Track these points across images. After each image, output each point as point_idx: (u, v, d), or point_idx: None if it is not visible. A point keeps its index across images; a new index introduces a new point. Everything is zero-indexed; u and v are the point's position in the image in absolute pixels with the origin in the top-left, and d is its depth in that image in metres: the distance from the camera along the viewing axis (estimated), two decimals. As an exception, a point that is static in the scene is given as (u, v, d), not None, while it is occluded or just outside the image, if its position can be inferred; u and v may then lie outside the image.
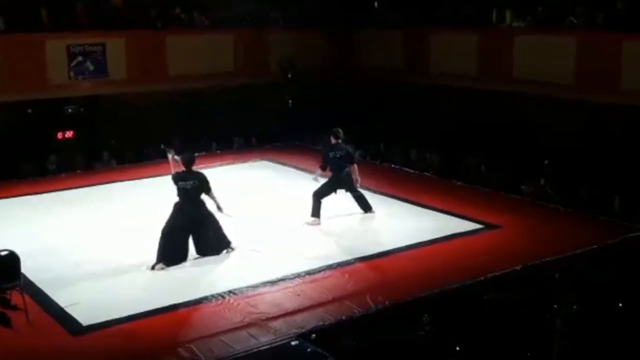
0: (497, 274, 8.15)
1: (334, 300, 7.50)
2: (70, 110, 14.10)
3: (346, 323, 7.03)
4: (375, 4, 17.00)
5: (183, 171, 8.61)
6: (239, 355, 6.43)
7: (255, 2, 15.91)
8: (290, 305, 7.39)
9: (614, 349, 6.79)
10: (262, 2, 16.04)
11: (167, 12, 15.11)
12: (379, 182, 12.08)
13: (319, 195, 10.03)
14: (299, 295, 7.64)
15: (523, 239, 9.49)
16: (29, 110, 13.66)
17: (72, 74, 13.61)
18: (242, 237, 9.15)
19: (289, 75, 15.47)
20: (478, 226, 9.93)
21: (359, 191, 10.37)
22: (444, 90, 14.33)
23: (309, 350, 6.55)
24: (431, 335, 6.89)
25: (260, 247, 9.05)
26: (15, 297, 7.08)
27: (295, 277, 8.09)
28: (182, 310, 7.35)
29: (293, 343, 6.65)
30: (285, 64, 15.45)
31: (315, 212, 10.00)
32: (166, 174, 9.30)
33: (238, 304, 7.40)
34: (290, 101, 15.64)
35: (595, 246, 9.01)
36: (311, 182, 10.52)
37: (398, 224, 10.09)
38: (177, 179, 8.58)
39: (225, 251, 8.84)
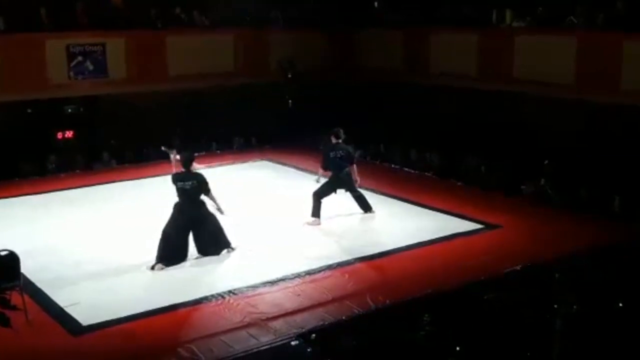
0: (497, 274, 8.15)
1: (334, 300, 7.50)
2: (70, 110, 14.09)
3: (346, 323, 7.03)
4: (375, 4, 16.99)
5: (182, 171, 8.60)
6: (239, 355, 6.44)
7: (255, 2, 15.90)
8: (290, 305, 7.39)
9: (614, 349, 6.78)
10: (262, 2, 16.03)
11: (167, 12, 15.10)
12: (379, 182, 12.09)
13: (319, 195, 10.03)
14: (299, 295, 7.65)
15: (523, 239, 9.49)
16: (29, 110, 13.65)
17: (72, 73, 13.60)
18: (242, 237, 9.15)
19: (289, 75, 15.47)
20: (478, 226, 9.93)
21: (358, 191, 10.37)
22: (444, 90, 14.32)
23: (309, 350, 6.55)
24: (431, 335, 6.89)
25: (259, 247, 9.06)
26: (15, 297, 7.08)
27: (295, 277, 8.10)
28: (182, 310, 7.35)
29: (293, 343, 6.65)
30: (285, 64, 15.44)
31: (316, 212, 10.00)
32: (166, 174, 9.30)
33: (238, 304, 7.40)
34: (290, 101, 15.63)
35: (595, 246, 9.01)
36: (311, 182, 10.52)
37: (398, 224, 10.09)
38: (175, 179, 8.58)
39: (225, 251, 8.84)
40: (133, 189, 12.16)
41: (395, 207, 10.95)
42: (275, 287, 7.85)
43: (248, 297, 7.59)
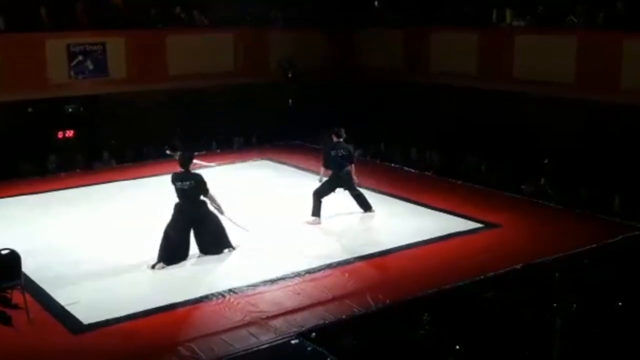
0: (497, 273, 8.16)
1: (334, 299, 7.51)
2: (70, 110, 14.10)
3: (346, 322, 7.04)
4: (376, 3, 17.00)
5: (181, 171, 8.60)
6: (239, 354, 6.44)
7: (255, 2, 15.92)
8: (290, 304, 7.40)
9: (614, 348, 6.78)
10: (262, 2, 16.04)
11: (167, 12, 15.12)
12: (379, 181, 12.09)
13: (319, 195, 10.04)
14: (299, 294, 7.65)
15: (523, 238, 9.49)
16: (29, 110, 13.66)
17: (72, 73, 13.62)
18: (242, 236, 9.15)
19: (289, 75, 15.48)
20: (478, 225, 9.94)
21: (358, 190, 10.38)
22: (444, 89, 14.34)
23: (309, 349, 6.55)
24: (431, 334, 6.89)
25: (259, 246, 9.06)
26: (16, 296, 7.10)
27: (296, 276, 8.10)
28: (183, 309, 7.35)
29: (293, 342, 6.66)
30: (285, 63, 15.45)
31: (316, 211, 10.01)
32: (166, 174, 9.30)
33: (238, 303, 7.41)
34: (290, 101, 15.64)
35: (595, 245, 9.02)
36: (311, 182, 10.53)
37: (398, 223, 10.10)
38: (174, 179, 8.59)
39: (226, 250, 8.85)
40: (133, 189, 12.16)
41: (395, 206, 10.95)
42: (275, 286, 7.85)
43: (248, 296, 7.59)
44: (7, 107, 13.17)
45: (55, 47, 13.43)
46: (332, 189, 10.12)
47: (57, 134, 13.97)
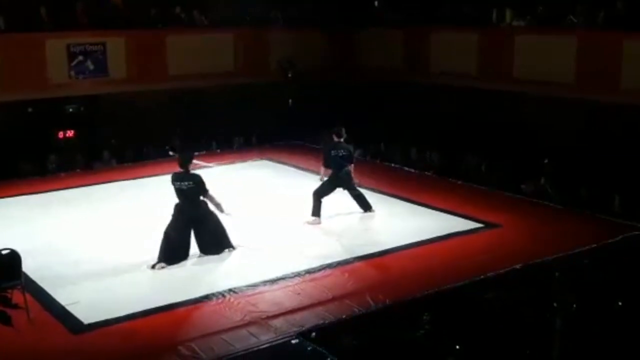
0: (497, 273, 8.16)
1: (334, 299, 7.51)
2: (70, 110, 14.11)
3: (346, 322, 7.04)
4: (376, 3, 17.00)
5: (180, 172, 8.60)
6: (239, 354, 6.45)
7: (255, 2, 15.92)
8: (290, 304, 7.40)
9: (614, 348, 6.79)
10: (262, 2, 16.05)
11: (167, 12, 15.12)
12: (379, 181, 12.10)
13: (319, 195, 10.04)
14: (299, 294, 7.66)
15: (523, 238, 9.50)
16: (30, 110, 13.66)
17: (72, 73, 13.62)
18: (242, 236, 9.15)
19: (289, 75, 15.48)
20: (478, 225, 9.94)
21: (358, 190, 10.38)
22: (444, 89, 14.34)
23: (309, 348, 6.55)
24: (431, 334, 6.90)
25: (259, 246, 9.06)
26: (17, 296, 7.10)
27: (296, 276, 8.11)
28: (183, 309, 7.36)
29: (293, 341, 6.66)
30: (285, 63, 15.45)
31: (316, 211, 10.01)
32: (166, 174, 9.30)
33: (238, 303, 7.42)
34: (290, 101, 15.65)
35: (595, 245, 9.02)
36: (311, 182, 10.54)
37: (398, 223, 10.10)
38: (174, 179, 8.60)
39: (226, 250, 8.85)
40: (133, 189, 12.16)
41: (395, 206, 10.95)
42: (275, 286, 7.86)
43: (248, 295, 7.60)
44: (7, 107, 13.18)
45: (55, 47, 13.43)
46: (332, 189, 10.12)
47: (57, 134, 13.98)
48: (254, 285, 7.84)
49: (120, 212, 10.59)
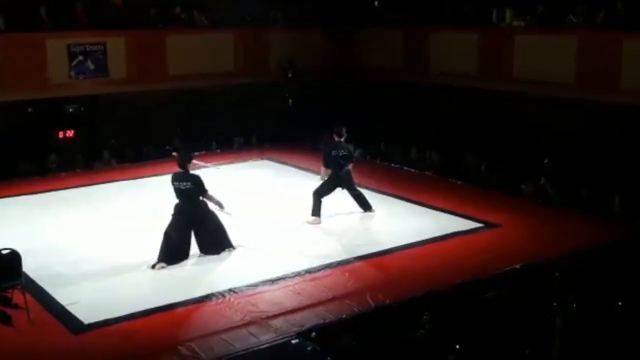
0: (497, 272, 8.16)
1: (334, 298, 7.51)
2: (70, 110, 14.11)
3: (346, 321, 7.04)
4: (376, 3, 17.00)
5: (179, 172, 8.61)
6: (239, 354, 6.45)
7: (255, 2, 15.92)
8: (290, 303, 7.40)
9: (614, 347, 6.79)
10: (262, 2, 16.05)
11: (167, 12, 15.12)
12: (379, 181, 12.10)
13: (319, 194, 10.04)
14: (299, 293, 7.66)
15: (523, 238, 9.50)
16: (30, 110, 13.67)
17: (72, 73, 13.63)
18: (242, 236, 9.16)
19: (289, 75, 15.48)
20: (478, 225, 9.94)
21: (358, 190, 10.39)
22: (444, 89, 14.34)
23: (309, 348, 6.56)
24: (431, 333, 6.90)
25: (259, 246, 9.07)
26: (17, 296, 7.10)
27: (296, 275, 8.11)
28: (183, 309, 7.36)
29: (293, 341, 6.66)
30: (285, 63, 15.45)
31: (316, 211, 10.01)
32: (166, 174, 9.31)
33: (238, 303, 7.42)
34: (290, 101, 15.65)
35: (595, 245, 9.02)
36: (311, 181, 10.54)
37: (398, 223, 10.10)
38: (173, 179, 8.61)
39: (226, 250, 8.85)
40: (133, 189, 12.16)
41: (395, 206, 10.96)
42: (275, 286, 7.86)
43: (248, 295, 7.60)
44: (8, 107, 13.18)
45: (55, 47, 13.43)
46: (332, 189, 10.13)
47: (57, 134, 13.98)
48: (254, 285, 7.84)
49: (120, 212, 10.59)
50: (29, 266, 7.63)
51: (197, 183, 8.52)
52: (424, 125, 14.26)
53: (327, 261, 8.51)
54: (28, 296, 7.19)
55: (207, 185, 8.63)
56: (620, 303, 7.77)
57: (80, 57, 13.63)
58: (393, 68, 15.56)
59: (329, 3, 16.30)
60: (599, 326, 7.09)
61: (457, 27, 14.45)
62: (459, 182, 12.37)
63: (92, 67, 13.74)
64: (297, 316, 7.12)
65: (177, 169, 8.65)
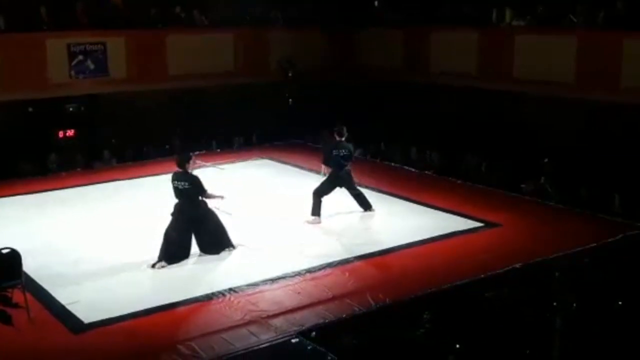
0: (497, 272, 8.16)
1: (334, 298, 7.52)
2: (70, 109, 14.11)
3: (346, 321, 7.05)
4: (376, 3, 17.01)
5: (179, 171, 8.61)
6: (239, 353, 6.45)
7: (255, 2, 15.93)
8: (290, 303, 7.41)
9: (614, 347, 6.79)
10: (262, 2, 16.06)
11: (167, 12, 15.12)
12: (379, 180, 12.11)
13: (319, 194, 10.05)
14: (299, 293, 7.66)
15: (523, 237, 9.50)
16: (30, 109, 13.67)
17: (72, 73, 13.63)
18: (242, 236, 9.16)
19: (289, 75, 15.49)
20: (478, 224, 9.95)
21: (358, 189, 10.40)
22: (444, 89, 14.35)
23: (309, 348, 6.56)
24: (431, 333, 6.90)
25: (259, 245, 9.07)
26: (17, 295, 7.10)
27: (296, 275, 8.11)
28: (183, 308, 7.36)
29: (293, 341, 6.67)
30: (285, 63, 15.46)
31: (316, 210, 10.02)
32: (166, 174, 9.31)
33: (239, 302, 7.42)
34: (290, 100, 15.65)
35: (595, 245, 9.02)
36: (311, 181, 10.55)
37: (398, 222, 10.11)
38: (172, 178, 8.62)
39: (227, 250, 8.86)
40: (133, 188, 12.16)
41: (395, 205, 10.96)
42: (275, 285, 7.86)
43: (248, 295, 7.60)
44: (8, 107, 13.18)
45: (55, 46, 13.44)
46: (332, 188, 10.13)
47: (57, 134, 13.98)
48: (254, 285, 7.85)
49: (120, 212, 10.59)
50: (29, 265, 7.64)
51: (195, 183, 8.52)
52: (424, 124, 14.27)
53: (327, 260, 8.51)
54: (28, 295, 7.19)
55: (207, 185, 8.62)
56: (620, 303, 7.77)
57: (80, 57, 13.63)
58: (393, 68, 15.56)
59: (329, 3, 16.30)
60: (599, 326, 7.09)
61: (457, 27, 14.46)
62: (459, 182, 12.37)
63: (92, 66, 13.75)
64: (297, 315, 7.12)
65: (177, 169, 8.66)
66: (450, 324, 7.08)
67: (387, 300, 7.43)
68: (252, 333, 6.77)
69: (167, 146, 14.32)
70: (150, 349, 6.58)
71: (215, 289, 7.70)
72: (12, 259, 7.07)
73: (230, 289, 7.70)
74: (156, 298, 7.51)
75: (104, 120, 14.36)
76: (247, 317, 7.07)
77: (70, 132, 14.08)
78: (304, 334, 6.74)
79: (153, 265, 8.38)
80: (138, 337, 6.79)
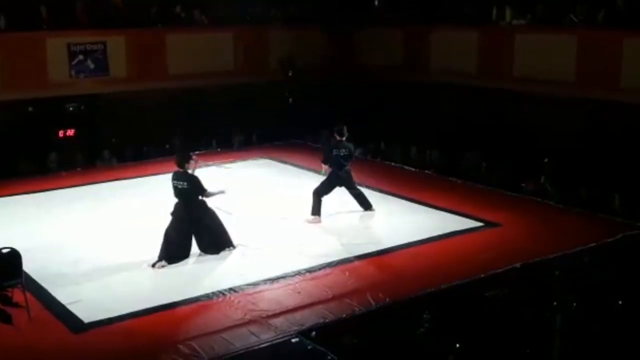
0: (497, 272, 8.16)
1: (334, 297, 7.52)
2: (71, 109, 14.12)
3: (346, 320, 7.05)
4: (376, 2, 17.01)
5: (179, 171, 8.61)
6: (239, 352, 6.46)
7: (255, 1, 15.93)
8: (290, 302, 7.41)
9: (614, 347, 6.79)
10: (262, 1, 16.06)
11: (167, 11, 15.13)
12: (379, 180, 12.10)
13: (319, 194, 10.05)
14: (299, 292, 7.66)
15: (523, 237, 9.50)
16: (30, 109, 13.67)
17: (72, 72, 13.64)
18: (242, 235, 9.16)
19: (289, 74, 15.49)
20: (478, 224, 9.94)
21: (358, 189, 10.39)
22: (444, 88, 14.34)
23: (309, 347, 6.56)
24: (431, 332, 6.90)
25: (259, 245, 9.07)
26: (17, 295, 7.12)
27: (296, 274, 8.11)
28: (183, 308, 7.37)
29: (293, 340, 6.67)
30: (285, 62, 15.46)
31: (316, 210, 10.02)
32: (166, 173, 9.31)
33: (239, 302, 7.42)
34: (290, 100, 15.65)
35: (595, 244, 9.02)
36: (312, 180, 10.54)
37: (398, 221, 10.11)
38: (172, 177, 8.63)
39: (227, 249, 8.86)
40: (133, 188, 12.16)
41: (395, 204, 10.96)
42: (275, 285, 7.86)
43: (249, 294, 7.60)
44: (8, 106, 13.19)
45: (55, 46, 13.45)
46: (332, 188, 10.13)
47: (57, 133, 13.98)
48: (255, 284, 7.85)
49: (121, 211, 10.59)
50: (29, 265, 7.63)
51: (194, 183, 8.52)
52: (424, 124, 14.26)
53: (327, 260, 8.51)
54: (28, 295, 7.20)
55: (207, 185, 8.62)
56: (620, 303, 7.77)
57: (81, 56, 13.64)
58: (393, 67, 15.56)
59: (329, 2, 16.30)
60: (599, 326, 7.09)
61: (457, 26, 14.45)
62: (459, 181, 12.37)
63: (92, 66, 13.76)
64: (298, 315, 7.13)
65: (177, 169, 8.66)
66: (450, 323, 7.08)
67: (387, 299, 7.43)
68: (252, 333, 6.77)
69: (167, 146, 14.33)
70: (151, 349, 6.58)
71: (215, 289, 7.70)
72: (12, 258, 7.07)
73: (230, 289, 7.70)
74: (156, 298, 7.51)
75: (104, 120, 14.36)
76: (247, 317, 7.07)
77: (70, 132, 14.08)
78: (304, 333, 6.74)
79: (153, 265, 8.39)
80: (138, 337, 6.79)
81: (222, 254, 8.80)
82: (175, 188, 8.56)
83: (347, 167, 10.11)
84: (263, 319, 7.03)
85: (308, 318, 7.06)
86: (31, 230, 9.70)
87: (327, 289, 7.73)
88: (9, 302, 7.19)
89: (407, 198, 11.23)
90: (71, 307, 7.29)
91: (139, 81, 14.22)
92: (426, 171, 13.25)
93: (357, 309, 7.25)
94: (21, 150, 13.31)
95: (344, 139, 10.14)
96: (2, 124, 13.30)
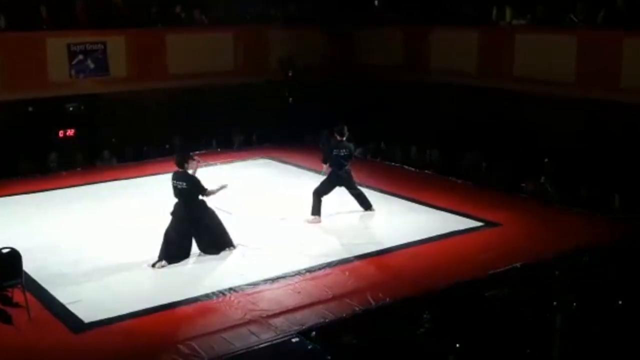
0: (497, 271, 8.16)
1: (334, 297, 7.52)
2: (71, 109, 14.11)
3: (347, 320, 7.05)
4: (376, 2, 17.00)
5: (179, 171, 8.62)
6: (239, 352, 6.46)
7: (255, 1, 15.92)
8: (290, 302, 7.41)
9: (614, 347, 6.79)
10: (262, 1, 16.05)
11: (167, 11, 15.12)
12: (379, 179, 12.11)
13: (319, 194, 10.05)
14: (299, 292, 7.67)
15: (523, 236, 9.50)
16: (30, 109, 13.67)
17: (72, 72, 13.63)
18: (242, 235, 9.16)
19: (289, 74, 15.48)
20: (478, 224, 9.95)
21: (358, 189, 10.40)
22: (444, 88, 14.34)
23: (309, 347, 6.56)
24: (431, 332, 6.90)
25: (259, 245, 9.07)
26: (17, 295, 7.12)
27: (296, 274, 8.12)
28: (183, 308, 7.37)
29: (293, 340, 6.67)
30: (285, 62, 15.45)
31: (316, 210, 10.02)
32: (166, 173, 9.31)
33: (239, 302, 7.43)
34: (290, 99, 15.65)
35: (595, 244, 9.02)
36: (312, 180, 10.54)
37: (398, 221, 10.11)
38: (172, 177, 8.64)
39: (227, 249, 8.86)
40: (133, 188, 12.17)
41: (395, 204, 10.96)
42: (275, 285, 7.87)
43: (249, 294, 7.61)
44: (8, 106, 13.18)
45: (55, 46, 13.44)
46: (332, 188, 10.13)
47: (57, 133, 13.97)
48: (255, 284, 7.85)
49: (121, 211, 10.59)
50: (29, 265, 7.63)
51: (194, 183, 8.53)
52: (424, 124, 14.26)
53: (327, 260, 8.52)
54: (28, 295, 7.20)
55: (206, 184, 8.62)
56: (620, 303, 7.77)
57: (81, 56, 13.64)
58: (393, 67, 15.55)
59: (329, 2, 16.30)
60: (599, 326, 7.09)
61: (457, 26, 14.44)
62: (459, 181, 12.37)
63: (92, 66, 13.75)
64: (298, 315, 7.13)
65: (177, 169, 8.66)
66: (450, 323, 7.08)
67: (387, 299, 7.43)
68: (252, 333, 6.77)
69: (167, 146, 14.33)
70: (151, 349, 6.59)
71: (215, 289, 7.70)
72: (12, 258, 7.07)
73: (231, 289, 7.70)
74: (156, 298, 7.51)
75: (104, 120, 14.36)
76: (247, 317, 7.08)
77: (70, 132, 14.07)
78: (304, 333, 6.74)
79: (153, 265, 8.39)
80: (138, 336, 6.80)
81: (222, 254, 8.81)
82: (175, 188, 8.57)
83: (347, 167, 10.12)
84: (263, 319, 7.03)
85: (308, 318, 7.07)
86: (31, 230, 9.70)
87: (327, 289, 7.74)
88: (9, 302, 7.19)
89: (407, 198, 11.24)
90: (71, 307, 7.29)
91: (139, 81, 14.21)
92: (426, 171, 13.26)
93: (357, 308, 7.26)
94: (21, 150, 13.30)
95: (344, 138, 10.14)
96: (2, 124, 13.29)
